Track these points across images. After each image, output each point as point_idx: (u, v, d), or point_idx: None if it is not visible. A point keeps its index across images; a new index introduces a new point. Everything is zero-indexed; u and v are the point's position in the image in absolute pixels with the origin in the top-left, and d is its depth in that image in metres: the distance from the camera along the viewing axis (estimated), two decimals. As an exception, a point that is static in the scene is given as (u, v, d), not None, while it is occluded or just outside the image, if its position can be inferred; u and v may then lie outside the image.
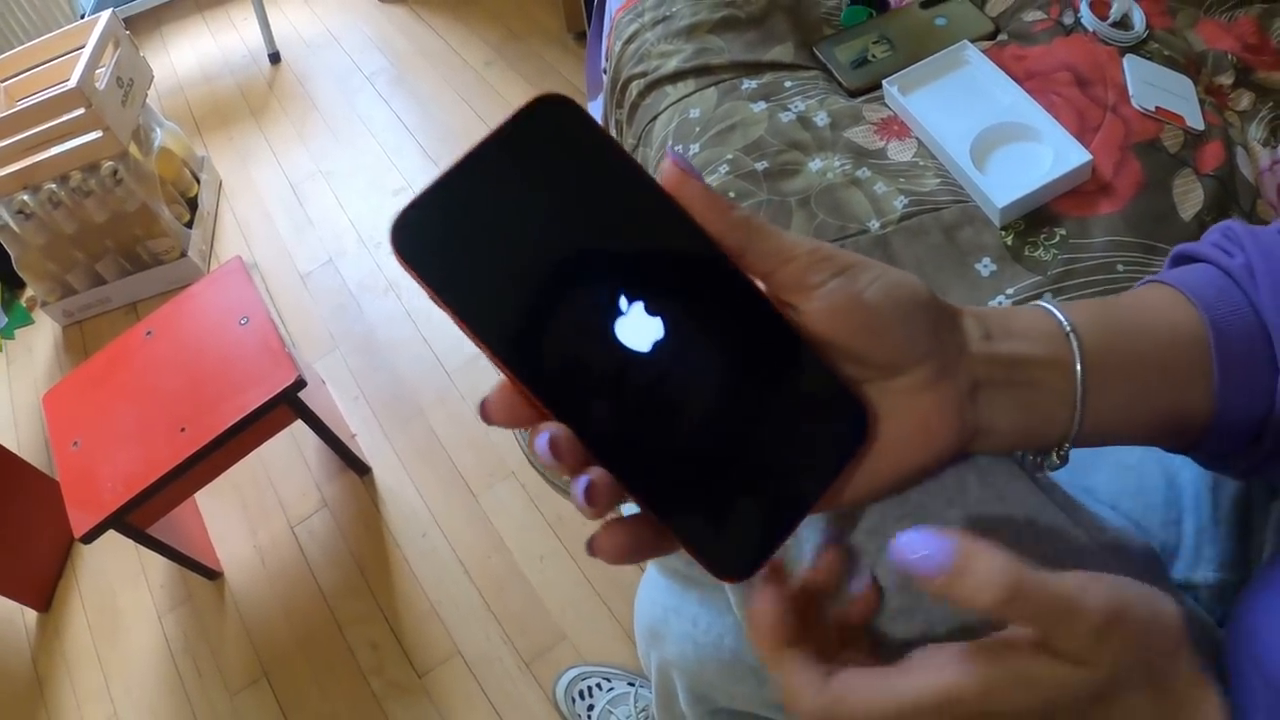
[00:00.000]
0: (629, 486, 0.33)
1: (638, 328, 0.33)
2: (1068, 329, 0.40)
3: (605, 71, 1.30)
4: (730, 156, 0.90)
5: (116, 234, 2.02)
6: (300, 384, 1.41)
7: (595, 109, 1.66)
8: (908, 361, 0.37)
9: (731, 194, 0.86)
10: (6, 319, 2.36)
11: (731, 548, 0.32)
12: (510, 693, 1.49)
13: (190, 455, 1.39)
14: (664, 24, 1.12)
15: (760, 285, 0.36)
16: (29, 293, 2.42)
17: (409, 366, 1.92)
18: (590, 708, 1.36)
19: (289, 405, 1.48)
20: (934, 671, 0.34)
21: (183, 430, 1.41)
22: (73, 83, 1.83)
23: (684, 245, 0.34)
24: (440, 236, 0.32)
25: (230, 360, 1.48)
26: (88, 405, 1.53)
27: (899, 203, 0.88)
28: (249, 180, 2.40)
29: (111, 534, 1.80)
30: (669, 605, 0.74)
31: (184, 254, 2.07)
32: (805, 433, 0.35)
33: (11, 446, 1.82)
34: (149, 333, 1.59)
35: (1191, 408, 0.43)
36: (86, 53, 1.90)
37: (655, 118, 1.02)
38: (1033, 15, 1.12)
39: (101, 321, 2.26)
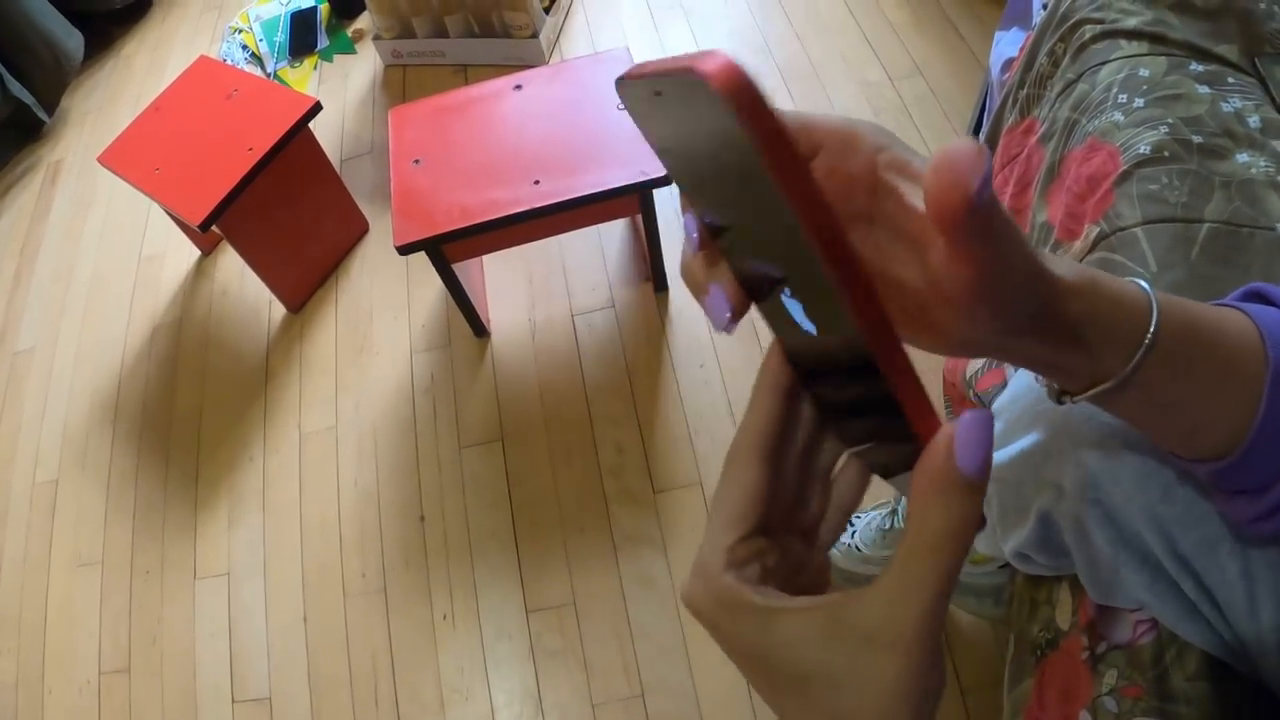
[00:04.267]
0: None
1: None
2: (1151, 297, 0.42)
3: (1045, 6, 1.34)
4: (1171, 121, 0.96)
5: (479, -5, 2.09)
6: (662, 180, 1.48)
7: (1005, 37, 1.65)
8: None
9: (1166, 153, 0.93)
10: (329, 42, 2.46)
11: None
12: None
13: (540, 207, 1.51)
14: (1129, -17, 1.19)
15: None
16: (357, 25, 2.53)
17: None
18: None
19: (641, 197, 1.53)
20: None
21: (536, 183, 1.48)
22: None
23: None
24: (652, 113, 0.33)
25: (598, 136, 1.61)
26: (436, 131, 1.64)
27: (1309, 216, 0.97)
28: (609, -7, 2.47)
29: (392, 259, 1.86)
30: None
31: (535, 34, 2.13)
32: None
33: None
34: (518, 86, 1.66)
35: (1217, 430, 0.45)
36: None
37: (1105, 63, 1.08)
38: None
39: (426, 72, 2.37)
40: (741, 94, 0.28)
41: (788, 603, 0.34)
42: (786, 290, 0.34)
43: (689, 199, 0.37)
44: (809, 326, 0.34)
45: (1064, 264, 0.39)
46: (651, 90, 0.32)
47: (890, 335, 0.31)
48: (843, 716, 0.33)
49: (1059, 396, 0.46)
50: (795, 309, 0.34)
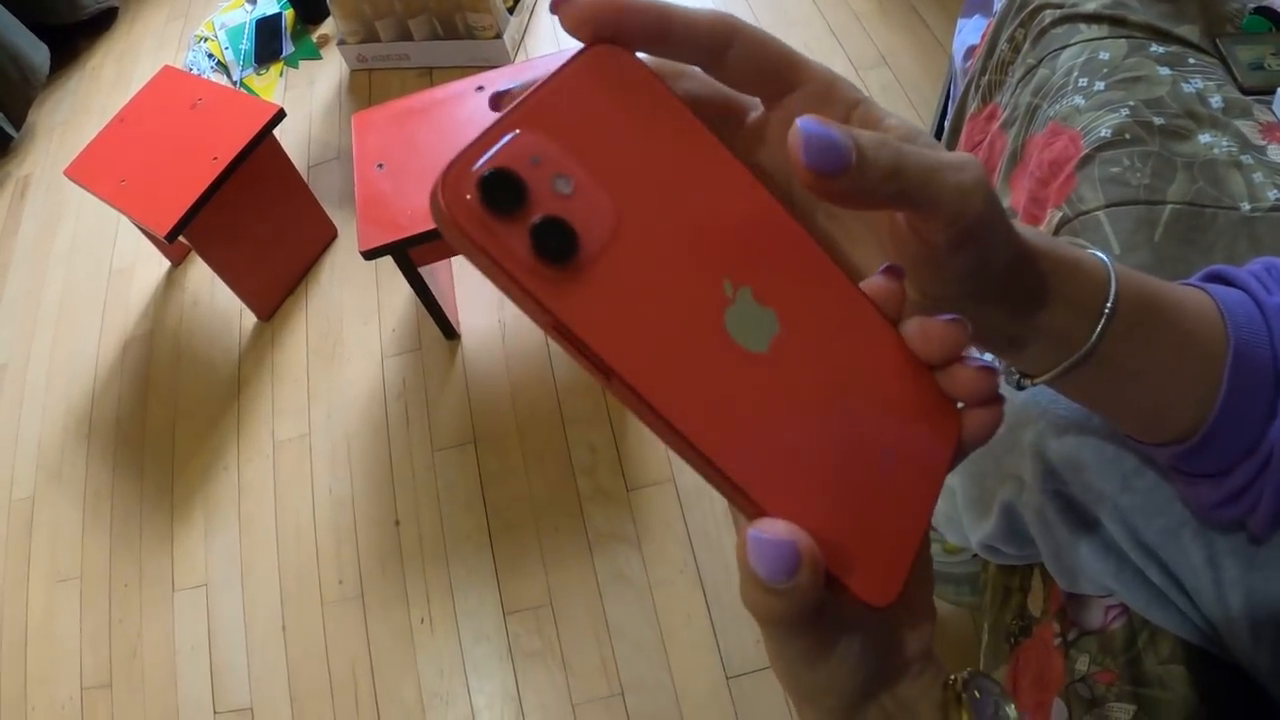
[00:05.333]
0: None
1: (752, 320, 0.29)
2: (1109, 266, 0.40)
3: (1007, -10, 1.32)
4: (1132, 103, 0.95)
5: (442, -3, 2.06)
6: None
7: (967, 25, 1.64)
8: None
9: (1127, 136, 0.92)
10: (294, 48, 2.42)
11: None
12: (709, 533, 1.53)
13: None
14: (1088, -32, 1.18)
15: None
16: (321, 30, 2.50)
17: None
18: None
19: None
20: None
21: (498, 183, 1.44)
22: None
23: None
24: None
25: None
26: (399, 135, 1.61)
27: (1272, 194, 0.91)
28: (571, -9, 2.43)
29: (361, 264, 1.82)
30: None
31: (499, 35, 2.10)
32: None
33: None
34: (480, 88, 1.63)
35: (1178, 411, 0.44)
36: None
37: (1065, 47, 1.07)
38: None
39: (391, 76, 2.33)
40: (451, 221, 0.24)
41: None
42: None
43: None
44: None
45: (1026, 229, 0.37)
46: None
47: (683, 427, 0.26)
48: None
49: (1020, 381, 0.44)
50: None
